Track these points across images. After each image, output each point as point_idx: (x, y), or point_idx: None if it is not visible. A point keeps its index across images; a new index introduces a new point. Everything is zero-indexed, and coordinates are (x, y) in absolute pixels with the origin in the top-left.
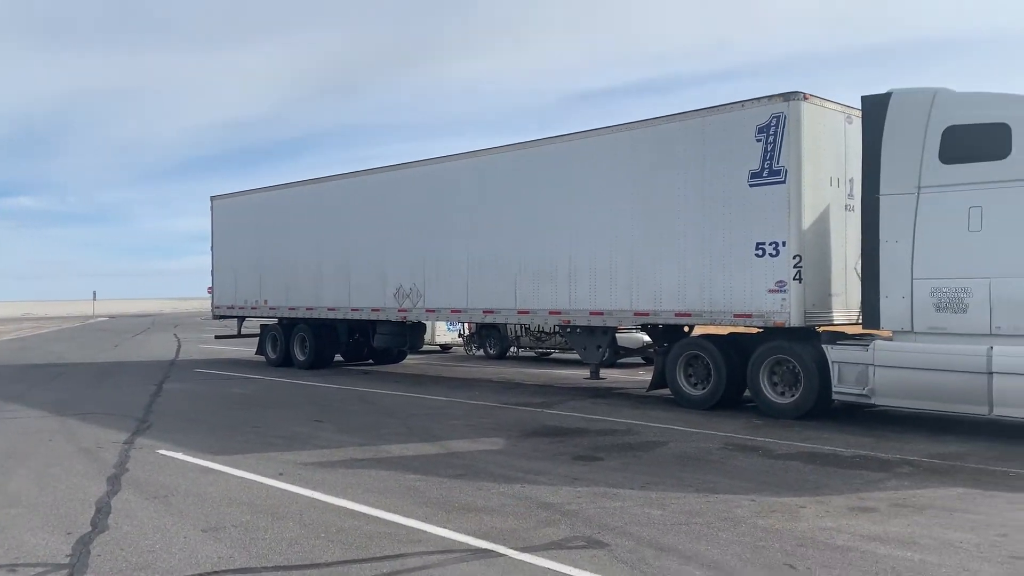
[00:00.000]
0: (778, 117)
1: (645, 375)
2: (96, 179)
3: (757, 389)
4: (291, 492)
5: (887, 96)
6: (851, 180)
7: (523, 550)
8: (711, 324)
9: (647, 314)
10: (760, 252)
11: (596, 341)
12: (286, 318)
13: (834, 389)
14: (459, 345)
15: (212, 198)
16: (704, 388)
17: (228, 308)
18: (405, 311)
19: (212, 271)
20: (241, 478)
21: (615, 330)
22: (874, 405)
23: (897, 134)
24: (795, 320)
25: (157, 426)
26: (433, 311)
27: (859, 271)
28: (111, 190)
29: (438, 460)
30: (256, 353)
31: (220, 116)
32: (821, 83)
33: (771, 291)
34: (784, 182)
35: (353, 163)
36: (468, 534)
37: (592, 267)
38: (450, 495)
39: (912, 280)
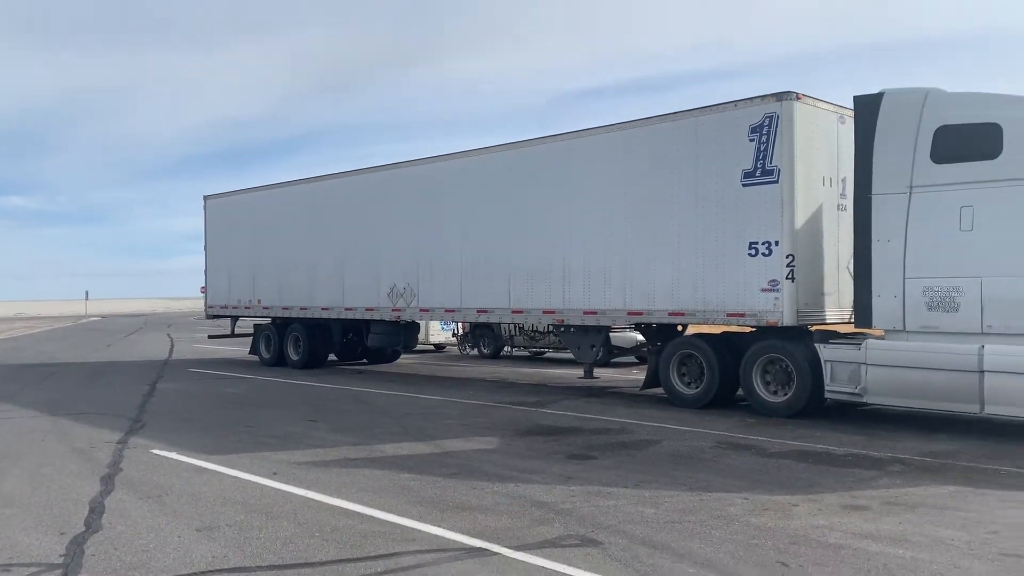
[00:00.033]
0: (771, 117)
1: (639, 374)
2: (88, 178)
3: (750, 388)
4: (285, 491)
5: (879, 96)
6: (844, 180)
7: (517, 549)
8: (704, 323)
9: (641, 313)
10: (753, 251)
11: (590, 340)
12: (280, 318)
13: (826, 388)
14: (453, 344)
15: (205, 197)
16: (697, 387)
17: (222, 308)
18: (399, 310)
19: (205, 271)
20: (235, 478)
21: (609, 329)
22: (866, 404)
23: (889, 134)
24: (788, 319)
25: (151, 426)
26: (427, 310)
27: (851, 270)
28: (103, 189)
29: (432, 459)
30: (250, 353)
31: (214, 115)
32: (820, 82)
33: (764, 290)
34: (777, 182)
35: (348, 162)
36: (462, 533)
37: (586, 266)
38: (444, 494)
39: (904, 279)
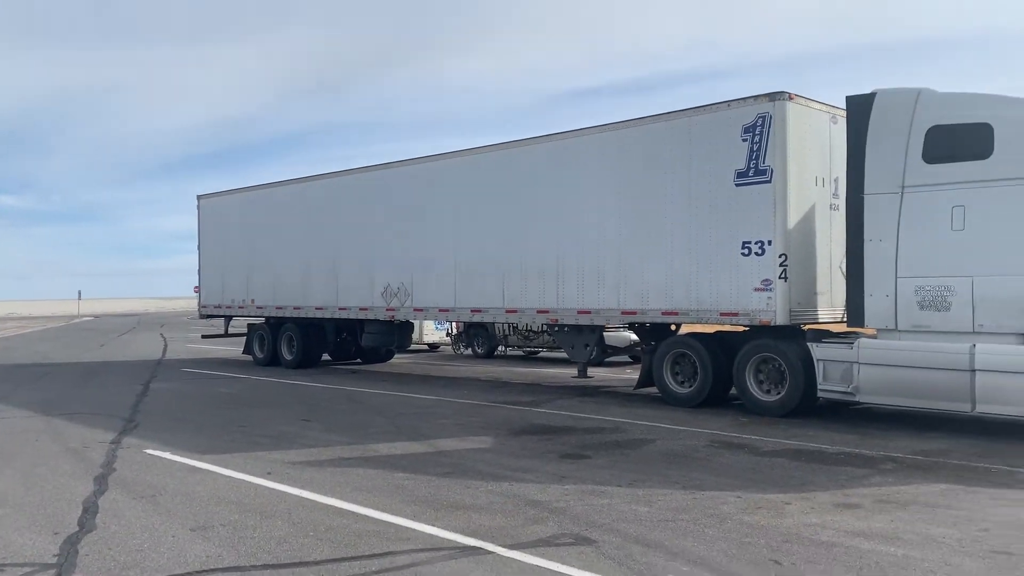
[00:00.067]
0: (764, 117)
1: (632, 373)
2: (81, 178)
3: (743, 387)
4: (279, 491)
5: (871, 96)
6: (836, 179)
7: (511, 547)
8: (698, 323)
9: (634, 313)
10: (746, 251)
11: (584, 340)
12: (273, 317)
13: (819, 387)
14: (447, 344)
15: (199, 197)
16: (691, 386)
17: (215, 307)
18: (393, 310)
19: (199, 270)
20: (229, 477)
21: (603, 329)
22: (859, 402)
23: (881, 134)
24: (780, 318)
25: (144, 425)
26: (421, 310)
27: (844, 270)
28: (96, 189)
29: (426, 458)
30: (243, 352)
31: (208, 114)
32: (818, 82)
33: (757, 290)
34: (770, 182)
35: (342, 162)
36: (456, 532)
37: (580, 266)
38: (438, 493)
39: (896, 279)
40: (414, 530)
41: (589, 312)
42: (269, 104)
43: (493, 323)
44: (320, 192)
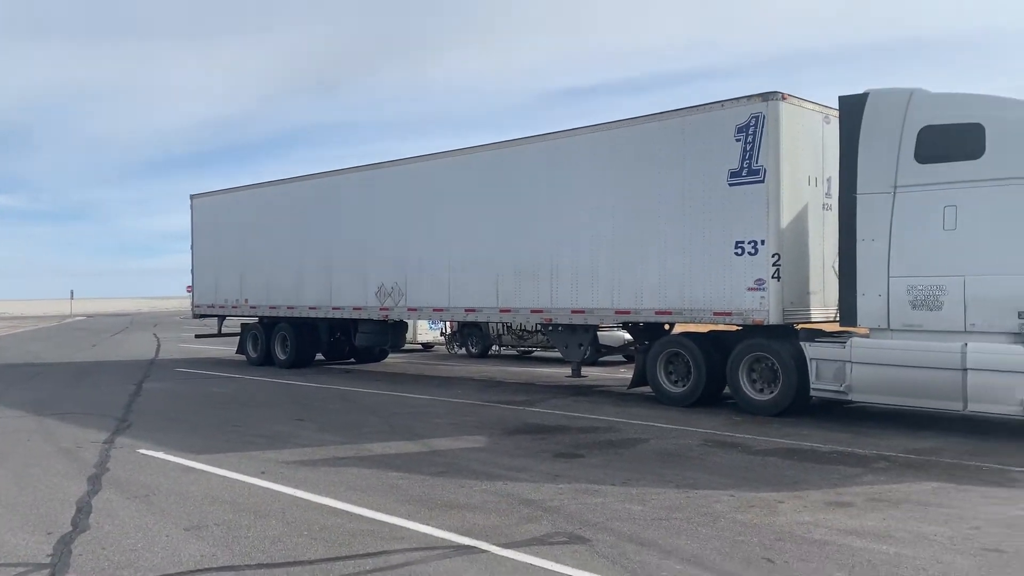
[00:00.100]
0: (757, 117)
1: (626, 373)
2: (72, 177)
3: (736, 386)
4: (273, 490)
5: (864, 96)
6: (829, 179)
7: (505, 546)
8: (691, 322)
9: (628, 312)
10: (739, 251)
11: (578, 339)
12: (267, 317)
13: (812, 386)
14: (441, 344)
15: (192, 196)
16: (684, 385)
17: (208, 307)
18: (387, 310)
19: (192, 270)
20: (223, 477)
21: (597, 328)
22: (851, 401)
23: (874, 134)
24: (774, 318)
25: (137, 425)
26: (415, 310)
27: (836, 269)
28: (88, 188)
29: (420, 458)
30: (237, 352)
31: (202, 113)
32: (820, 81)
33: (750, 289)
34: (763, 181)
35: (335, 161)
36: (450, 531)
37: (574, 266)
38: (432, 492)
39: (888, 278)
40: (408, 529)
41: (583, 311)
42: (263, 103)
43: (487, 323)
44: (313, 192)
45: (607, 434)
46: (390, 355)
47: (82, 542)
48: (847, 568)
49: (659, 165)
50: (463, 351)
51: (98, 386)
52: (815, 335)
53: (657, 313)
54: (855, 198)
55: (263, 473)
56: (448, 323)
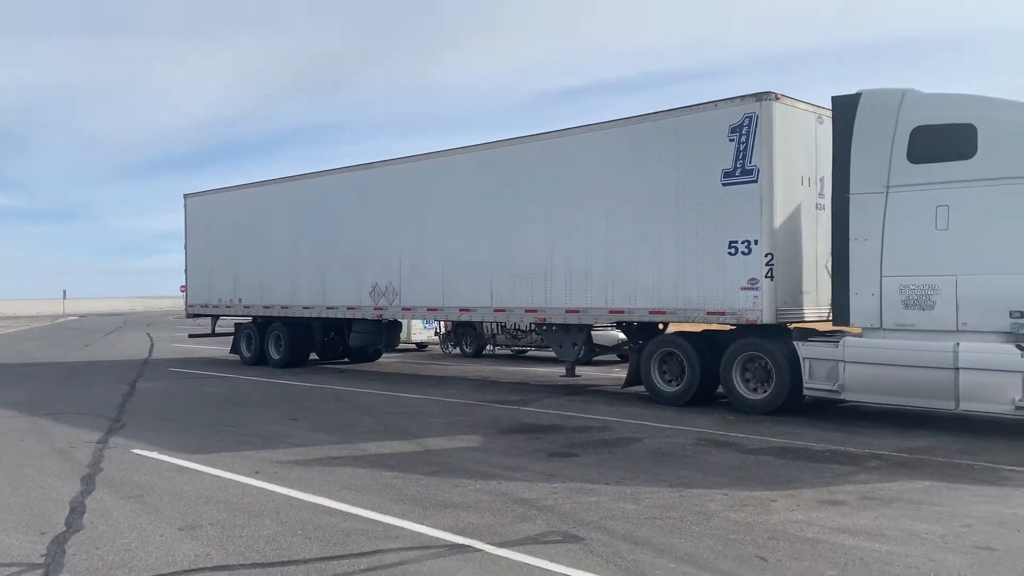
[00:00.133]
0: (750, 117)
1: (620, 372)
2: (65, 176)
3: (730, 385)
4: (267, 490)
5: (857, 96)
6: (822, 179)
7: (499, 545)
8: (685, 321)
9: (622, 312)
10: (733, 250)
11: (572, 339)
12: (261, 317)
13: (805, 385)
14: (435, 343)
15: (186, 196)
16: (678, 385)
17: (202, 307)
18: (381, 309)
19: (186, 270)
20: (217, 477)
21: (591, 328)
22: (844, 400)
23: (867, 134)
24: (767, 317)
25: (131, 425)
26: (409, 309)
27: (829, 269)
28: (81, 187)
29: (414, 457)
30: (230, 352)
31: (195, 113)
32: (818, 80)
33: (743, 289)
34: (756, 181)
35: (329, 161)
36: (445, 530)
37: (568, 266)
38: (427, 492)
39: (881, 278)
40: (402, 528)
41: (577, 311)
42: (259, 103)
43: (481, 322)
44: (307, 191)
45: (601, 433)
46: (384, 355)
47: (76, 542)
48: (839, 566)
49: (653, 165)
50: (457, 351)
51: (91, 386)
52: (808, 334)
53: (651, 313)
54: (848, 198)
55: (257, 473)
56: (442, 323)
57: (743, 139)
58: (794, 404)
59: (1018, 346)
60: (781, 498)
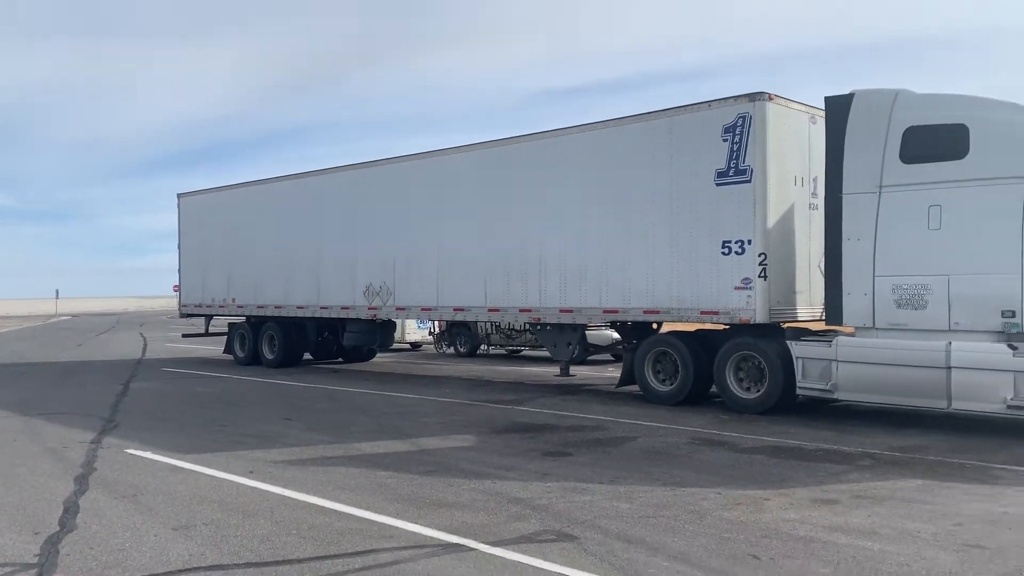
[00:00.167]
0: (744, 117)
1: (614, 372)
2: (57, 175)
3: (723, 385)
4: (262, 490)
5: (850, 97)
6: (815, 179)
7: (494, 544)
8: (679, 321)
9: (616, 311)
10: (726, 250)
11: (566, 338)
12: (254, 316)
13: (798, 384)
14: (429, 343)
15: (179, 195)
16: (672, 384)
17: (195, 306)
18: (375, 309)
19: (179, 269)
20: (211, 476)
21: (585, 327)
22: (837, 400)
23: (859, 134)
24: (760, 317)
25: (124, 425)
26: (403, 309)
27: (822, 269)
28: (73, 187)
29: (409, 457)
30: (224, 352)
31: (187, 112)
32: (815, 80)
33: (737, 288)
34: (750, 181)
35: (324, 160)
36: (439, 529)
37: (562, 265)
38: (421, 491)
39: (874, 277)
40: (397, 528)
41: (571, 311)
42: (252, 101)
43: (476, 322)
44: (301, 191)
45: (595, 433)
46: (378, 354)
47: (69, 542)
48: (832, 564)
49: (647, 165)
50: (451, 350)
51: (84, 386)
52: (801, 334)
53: (645, 312)
54: (841, 198)
55: (251, 472)
56: (436, 322)
57: (737, 139)
58: (787, 403)
59: (1010, 345)
60: (774, 497)
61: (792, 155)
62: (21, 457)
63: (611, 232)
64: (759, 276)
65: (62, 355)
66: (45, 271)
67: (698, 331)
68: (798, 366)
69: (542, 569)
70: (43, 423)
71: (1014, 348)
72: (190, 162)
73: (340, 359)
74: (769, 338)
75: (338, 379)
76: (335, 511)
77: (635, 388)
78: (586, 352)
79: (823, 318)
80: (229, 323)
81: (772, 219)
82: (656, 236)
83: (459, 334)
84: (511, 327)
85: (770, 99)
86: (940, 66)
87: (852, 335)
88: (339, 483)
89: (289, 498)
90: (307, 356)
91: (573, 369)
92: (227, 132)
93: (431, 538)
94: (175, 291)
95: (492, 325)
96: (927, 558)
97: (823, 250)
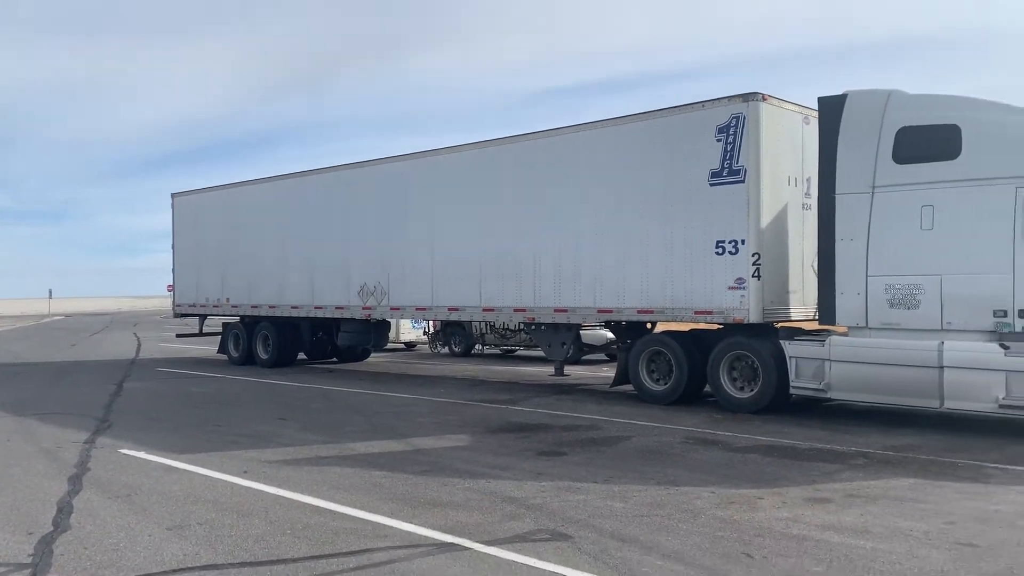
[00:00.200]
0: (738, 117)
1: (609, 371)
2: (51, 175)
3: (717, 384)
4: (256, 490)
5: (843, 97)
6: (808, 179)
7: (488, 543)
8: (673, 321)
9: (610, 311)
10: (720, 250)
11: (561, 338)
12: (249, 316)
13: (792, 384)
14: (424, 343)
15: (173, 195)
16: (666, 384)
17: (190, 306)
18: (369, 309)
19: (173, 269)
20: (205, 476)
21: (579, 327)
22: (830, 399)
23: (852, 135)
24: (754, 316)
25: (118, 425)
26: (398, 309)
27: (816, 268)
28: (67, 187)
29: (403, 457)
30: (218, 352)
31: (181, 111)
32: (801, 81)
33: (731, 288)
34: (743, 181)
35: (315, 160)
36: (434, 528)
37: (556, 265)
38: (416, 491)
39: (867, 277)
40: (392, 527)
41: (566, 311)
42: (245, 101)
43: (470, 322)
44: (295, 190)
45: (589, 432)
46: (373, 354)
47: (63, 542)
48: (825, 563)
49: (641, 165)
50: (446, 350)
51: (78, 386)
52: (795, 333)
53: (639, 312)
54: (834, 198)
55: (245, 472)
56: (431, 322)
57: (730, 139)
58: (781, 403)
59: (1002, 345)
60: (768, 496)
61: (786, 155)
62: (15, 457)
63: (605, 232)
64: (753, 276)
65: (56, 355)
66: (39, 271)
67: (692, 331)
68: (791, 365)
69: (536, 568)
70: (37, 423)
71: (1006, 348)
72: (185, 162)
73: (334, 359)
74: (763, 338)
75: (333, 379)
76: (330, 511)
77: (629, 388)
78: (580, 352)
79: (816, 318)
80: (223, 323)
81: (766, 219)
82: (650, 236)
83: (454, 334)
84: (506, 327)
85: (764, 99)
86: (940, 66)
87: (845, 335)
88: (334, 483)
89: (284, 498)
90: (301, 356)
91: (568, 369)
92: (222, 131)
93: (426, 537)
94: (169, 291)
95: (487, 325)
96: (919, 556)
97: (816, 250)
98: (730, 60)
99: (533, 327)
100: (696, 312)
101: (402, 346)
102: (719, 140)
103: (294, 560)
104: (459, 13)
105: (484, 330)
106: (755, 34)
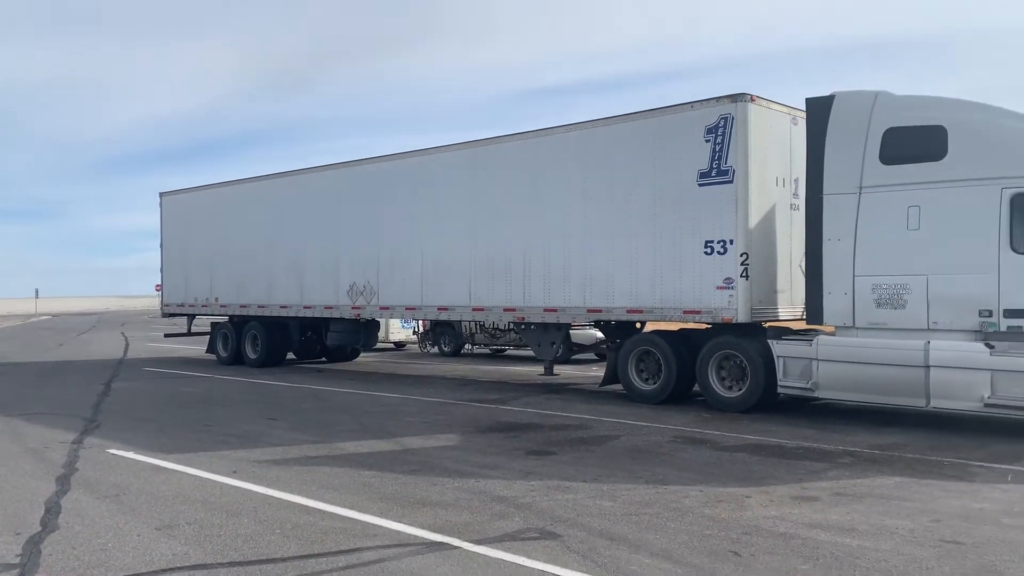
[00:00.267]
0: (726, 118)
1: (598, 371)
2: (38, 174)
3: (706, 383)
4: (245, 489)
5: (830, 99)
6: (796, 180)
7: (477, 542)
8: (662, 320)
9: (600, 311)
10: (709, 250)
11: (550, 338)
12: (237, 316)
13: (779, 383)
14: (413, 343)
15: (161, 194)
16: (655, 383)
17: (178, 306)
18: (359, 308)
19: (161, 269)
20: (194, 476)
21: (569, 327)
22: (818, 398)
23: (840, 135)
24: (742, 316)
25: (106, 425)
26: (387, 308)
27: (803, 268)
28: (53, 186)
29: (393, 456)
30: (207, 352)
31: (168, 110)
32: (793, 81)
33: (719, 288)
34: (732, 182)
35: (308, 158)
36: (423, 528)
37: (546, 265)
38: (405, 490)
39: (854, 277)
40: (381, 527)
41: (555, 310)
42: (233, 99)
43: (460, 321)
44: (285, 189)
45: (579, 431)
46: (362, 354)
47: (52, 542)
48: (811, 560)
49: (630, 165)
50: (435, 350)
51: (66, 386)
52: (782, 333)
53: (628, 312)
54: (822, 198)
55: (235, 472)
56: (420, 322)
57: (719, 140)
58: (769, 402)
59: (987, 344)
60: (755, 494)
61: (773, 156)
62: (2, 458)
63: (595, 232)
64: (741, 276)
65: (43, 355)
66: (26, 270)
67: (681, 330)
68: (779, 365)
69: (525, 567)
70: (24, 423)
71: (991, 347)
72: (173, 160)
73: (324, 359)
74: (751, 337)
75: (322, 379)
76: (319, 510)
77: (619, 387)
78: (570, 351)
79: (804, 317)
80: (212, 323)
81: (754, 219)
82: (639, 236)
83: (443, 333)
84: (495, 326)
85: (752, 100)
86: (941, 66)
87: (832, 334)
88: (323, 482)
89: (273, 497)
90: (290, 356)
91: (557, 368)
92: (210, 130)
93: (415, 537)
94: (157, 291)
95: (476, 324)
96: (905, 554)
97: (804, 250)
98: (730, 60)
99: (523, 327)
100: (685, 312)
101: (391, 346)
102: (708, 141)
103: (283, 559)
104: (451, 10)
105: (474, 330)
106: (754, 33)
